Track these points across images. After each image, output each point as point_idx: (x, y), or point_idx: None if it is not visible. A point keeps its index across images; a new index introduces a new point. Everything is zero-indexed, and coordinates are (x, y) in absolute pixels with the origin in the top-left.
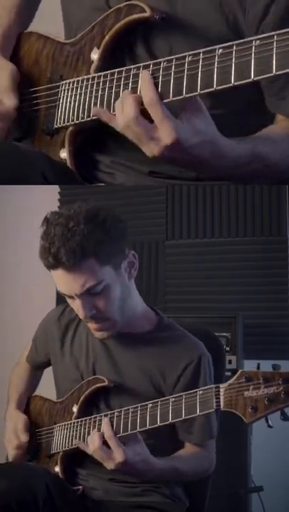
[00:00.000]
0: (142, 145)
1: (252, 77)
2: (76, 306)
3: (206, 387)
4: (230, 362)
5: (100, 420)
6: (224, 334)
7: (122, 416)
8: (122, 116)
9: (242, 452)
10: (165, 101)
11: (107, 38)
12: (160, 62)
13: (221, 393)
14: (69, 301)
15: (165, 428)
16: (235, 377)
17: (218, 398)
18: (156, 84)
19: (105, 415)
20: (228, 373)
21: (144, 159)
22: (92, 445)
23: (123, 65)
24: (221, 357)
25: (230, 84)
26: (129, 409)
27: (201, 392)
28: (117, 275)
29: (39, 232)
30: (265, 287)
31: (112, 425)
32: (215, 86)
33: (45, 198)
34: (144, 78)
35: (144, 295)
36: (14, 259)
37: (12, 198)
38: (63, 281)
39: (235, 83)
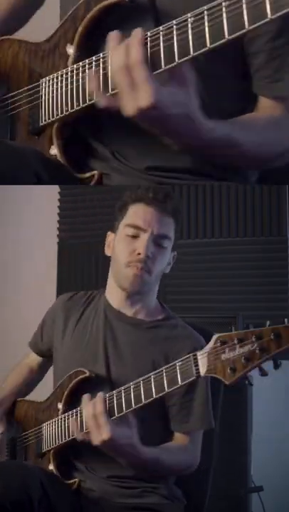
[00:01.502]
0: (122, 99)
1: (246, 26)
2: (138, 245)
3: (183, 358)
4: None
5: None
6: None
7: (108, 400)
8: (114, 59)
9: (242, 452)
10: (157, 72)
11: (80, 29)
12: (146, 37)
13: (199, 360)
14: (129, 240)
15: (158, 418)
16: (210, 342)
17: (197, 365)
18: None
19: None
20: None
21: (142, 154)
22: (85, 411)
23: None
24: None
25: (225, 40)
26: (113, 393)
27: (180, 363)
28: (170, 252)
29: (39, 231)
30: (265, 287)
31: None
32: (208, 45)
33: (45, 197)
34: (134, 35)
35: None
36: (14, 258)
37: (12, 198)
38: (149, 216)
39: (229, 37)
